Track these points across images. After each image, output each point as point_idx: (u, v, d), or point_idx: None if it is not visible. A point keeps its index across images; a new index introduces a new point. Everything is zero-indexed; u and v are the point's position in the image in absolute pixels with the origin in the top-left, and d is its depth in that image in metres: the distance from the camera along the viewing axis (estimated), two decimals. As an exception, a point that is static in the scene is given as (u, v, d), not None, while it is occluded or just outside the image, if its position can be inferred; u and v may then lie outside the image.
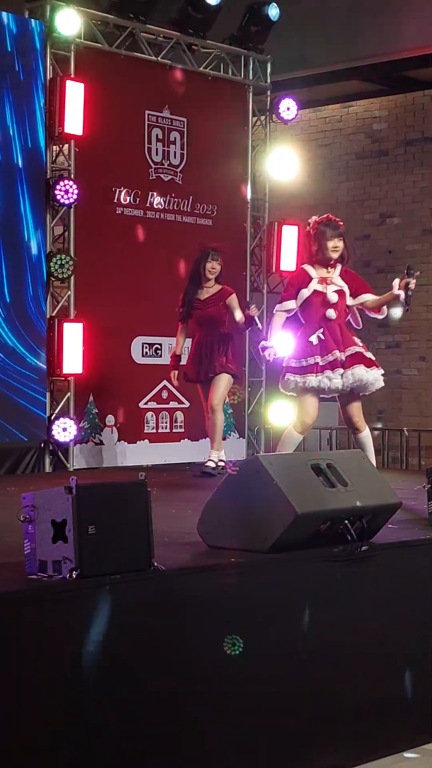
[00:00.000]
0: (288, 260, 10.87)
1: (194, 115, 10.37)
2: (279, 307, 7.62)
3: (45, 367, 9.17)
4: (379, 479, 5.25)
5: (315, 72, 12.54)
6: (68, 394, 9.42)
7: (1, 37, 8.90)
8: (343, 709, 4.82)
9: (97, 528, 4.00)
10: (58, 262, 9.14)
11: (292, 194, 13.52)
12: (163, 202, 10.14)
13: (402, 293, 7.31)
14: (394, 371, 13.14)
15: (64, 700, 3.86)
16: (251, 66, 10.94)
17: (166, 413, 10.17)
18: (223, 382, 8.62)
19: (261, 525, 4.68)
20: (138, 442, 9.95)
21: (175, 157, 10.26)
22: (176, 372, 8.91)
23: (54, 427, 9.20)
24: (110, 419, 9.71)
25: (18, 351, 9.03)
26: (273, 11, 10.64)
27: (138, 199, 9.93)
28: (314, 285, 7.48)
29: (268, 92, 11.11)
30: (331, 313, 7.45)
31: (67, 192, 9.13)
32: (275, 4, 10.62)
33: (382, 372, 7.52)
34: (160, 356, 10.00)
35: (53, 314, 9.30)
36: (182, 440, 10.26)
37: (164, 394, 10.11)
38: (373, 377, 7.43)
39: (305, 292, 7.49)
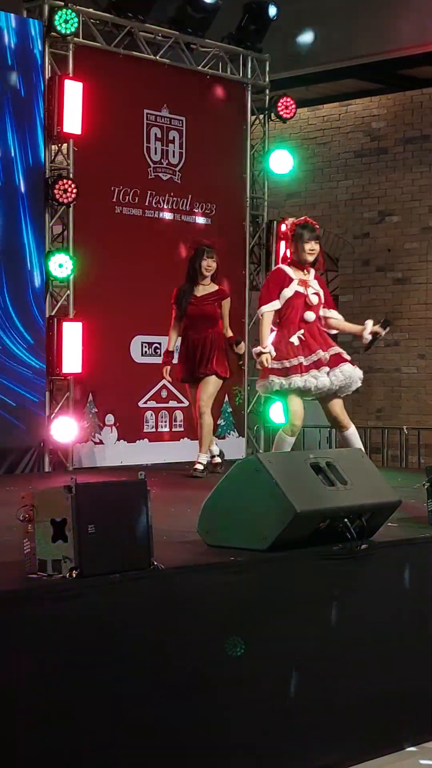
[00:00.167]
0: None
1: (193, 114, 10.37)
2: (266, 308, 7.48)
3: (44, 366, 9.18)
4: (379, 477, 5.25)
5: (313, 70, 12.54)
6: (68, 393, 9.42)
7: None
8: (343, 707, 4.83)
9: (97, 527, 4.01)
10: (58, 263, 9.14)
11: (290, 193, 13.55)
12: (162, 201, 10.14)
13: (369, 338, 7.56)
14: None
15: (64, 699, 3.86)
16: (250, 65, 10.94)
17: (166, 412, 10.17)
18: (211, 384, 8.50)
19: (260, 524, 4.69)
20: (137, 442, 9.95)
21: (173, 156, 10.26)
22: (168, 368, 8.75)
23: (53, 426, 9.20)
24: (110, 418, 9.70)
25: (17, 350, 9.03)
26: (271, 10, 10.64)
27: (137, 198, 9.93)
28: (295, 286, 7.47)
29: (267, 91, 11.11)
30: (311, 315, 7.47)
31: (66, 191, 9.14)
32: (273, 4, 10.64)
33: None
34: (160, 355, 9.94)
35: (52, 313, 9.31)
36: (182, 439, 10.26)
37: (164, 394, 10.11)
38: (359, 375, 7.50)
39: (287, 292, 7.47)
